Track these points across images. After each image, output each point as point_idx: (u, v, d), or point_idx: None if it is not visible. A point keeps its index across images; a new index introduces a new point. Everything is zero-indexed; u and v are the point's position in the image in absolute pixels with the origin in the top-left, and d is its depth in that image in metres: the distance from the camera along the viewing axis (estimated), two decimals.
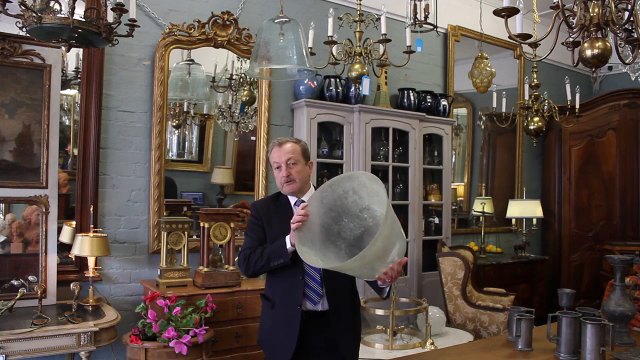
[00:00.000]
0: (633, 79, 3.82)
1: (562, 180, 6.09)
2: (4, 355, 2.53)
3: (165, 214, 3.67)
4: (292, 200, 2.29)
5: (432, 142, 4.94)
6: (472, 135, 5.76)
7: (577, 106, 4.69)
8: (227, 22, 3.91)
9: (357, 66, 3.11)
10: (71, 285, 2.99)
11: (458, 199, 5.63)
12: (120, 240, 3.56)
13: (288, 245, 2.07)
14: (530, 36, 2.06)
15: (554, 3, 1.96)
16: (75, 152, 3.46)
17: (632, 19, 1.96)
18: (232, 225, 3.49)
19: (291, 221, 1.99)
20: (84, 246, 3.10)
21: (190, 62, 3.92)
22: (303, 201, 2.27)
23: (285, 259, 2.09)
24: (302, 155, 2.23)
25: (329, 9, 3.16)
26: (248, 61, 3.89)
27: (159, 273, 3.39)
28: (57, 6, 2.22)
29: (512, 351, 2.22)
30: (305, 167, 2.25)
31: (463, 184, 5.71)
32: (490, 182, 5.96)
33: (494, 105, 4.86)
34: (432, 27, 3.15)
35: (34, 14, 2.13)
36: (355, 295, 2.35)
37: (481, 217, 5.45)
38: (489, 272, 5.06)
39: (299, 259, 1.97)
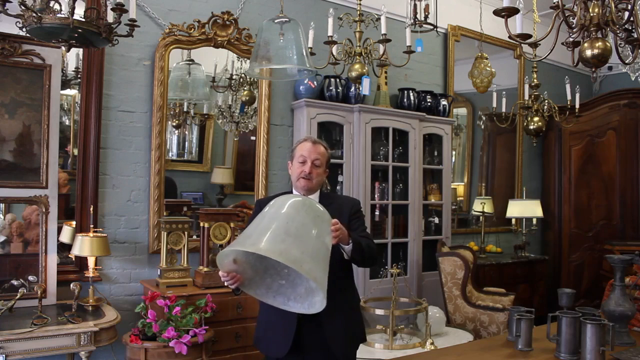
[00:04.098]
0: (633, 79, 3.82)
1: (562, 180, 6.09)
2: (4, 355, 2.53)
3: (165, 214, 3.67)
4: None
5: (432, 142, 4.94)
6: (472, 135, 5.76)
7: (577, 106, 4.68)
8: (227, 22, 3.91)
9: (357, 66, 3.11)
10: (71, 285, 2.99)
11: (458, 198, 5.63)
12: (120, 240, 3.56)
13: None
14: (530, 36, 2.06)
15: (554, 3, 1.95)
16: (75, 152, 3.46)
17: (632, 19, 1.96)
18: (232, 225, 3.49)
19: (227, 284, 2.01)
20: (84, 246, 3.10)
21: (190, 62, 3.92)
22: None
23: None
24: (326, 162, 2.35)
25: (329, 9, 3.16)
26: (248, 61, 3.88)
27: (159, 273, 3.39)
28: (57, 6, 2.22)
29: (512, 351, 2.22)
30: (324, 173, 2.35)
31: (463, 183, 5.71)
32: (490, 182, 5.96)
33: (494, 105, 4.86)
34: (432, 27, 3.14)
35: (34, 14, 2.13)
36: (353, 297, 2.35)
37: (481, 217, 5.45)
38: (489, 272, 5.06)
39: None
